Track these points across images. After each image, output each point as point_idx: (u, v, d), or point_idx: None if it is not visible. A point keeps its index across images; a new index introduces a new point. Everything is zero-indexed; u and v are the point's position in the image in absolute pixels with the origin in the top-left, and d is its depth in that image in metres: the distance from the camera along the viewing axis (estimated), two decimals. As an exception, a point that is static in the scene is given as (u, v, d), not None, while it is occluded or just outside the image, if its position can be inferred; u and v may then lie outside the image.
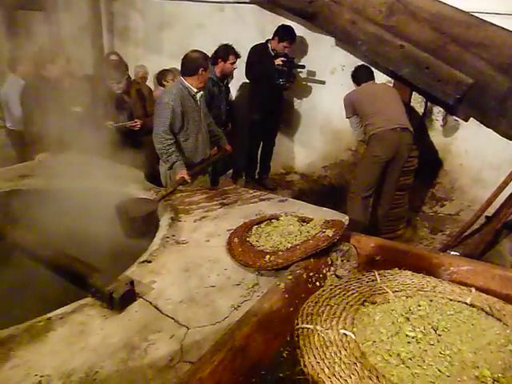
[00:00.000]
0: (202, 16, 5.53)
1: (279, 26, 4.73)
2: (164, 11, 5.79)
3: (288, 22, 4.82)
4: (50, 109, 3.51)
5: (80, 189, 2.67)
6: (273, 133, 5.30)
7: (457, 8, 3.84)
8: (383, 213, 4.18)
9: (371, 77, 4.20)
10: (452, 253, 3.70)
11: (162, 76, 4.91)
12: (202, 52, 3.38)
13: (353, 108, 4.08)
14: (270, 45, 4.79)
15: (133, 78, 4.93)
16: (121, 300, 1.56)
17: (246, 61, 4.73)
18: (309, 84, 5.24)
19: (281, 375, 1.40)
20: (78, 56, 5.01)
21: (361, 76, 4.18)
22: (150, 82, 5.31)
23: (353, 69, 4.27)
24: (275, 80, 4.73)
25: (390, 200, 4.16)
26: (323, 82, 5.12)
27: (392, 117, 3.86)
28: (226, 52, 4.37)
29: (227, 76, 4.64)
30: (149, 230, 2.25)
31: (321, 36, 4.84)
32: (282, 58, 4.66)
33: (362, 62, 4.56)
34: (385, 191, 4.11)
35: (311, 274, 1.81)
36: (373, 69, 4.28)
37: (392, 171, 3.99)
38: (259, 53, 4.77)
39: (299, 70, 5.03)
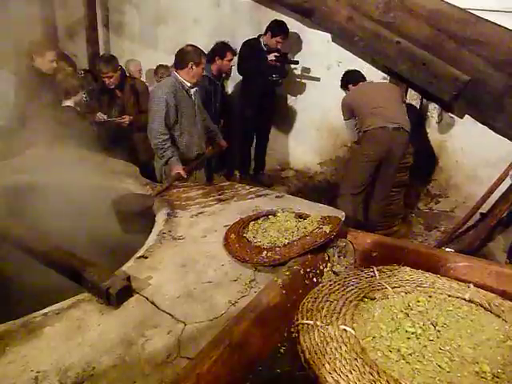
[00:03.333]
0: (198, 11, 5.49)
1: (272, 21, 4.67)
2: (160, 6, 5.75)
3: (284, 18, 4.79)
4: (43, 103, 3.48)
5: (74, 184, 2.64)
6: (266, 129, 5.28)
7: (454, 5, 3.84)
8: (378, 209, 4.16)
9: (362, 77, 4.20)
10: (447, 249, 3.71)
11: (156, 71, 4.88)
12: (197, 47, 3.33)
13: (350, 110, 4.03)
14: (262, 40, 4.72)
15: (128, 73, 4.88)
16: (117, 295, 1.54)
17: (237, 56, 4.67)
18: (303, 80, 5.21)
19: (278, 371, 1.39)
20: (72, 50, 4.97)
21: (352, 78, 4.17)
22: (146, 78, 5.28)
23: (343, 73, 4.26)
24: (268, 76, 4.68)
25: (386, 197, 4.14)
26: (318, 79, 5.09)
27: (386, 115, 3.77)
28: (222, 49, 4.33)
29: (224, 73, 4.61)
30: (145, 226, 2.23)
31: (317, 32, 4.81)
32: (275, 54, 4.59)
33: (358, 58, 4.57)
34: (380, 188, 4.07)
35: (308, 270, 1.80)
36: (369, 65, 4.27)
37: (386, 170, 3.93)
38: (251, 48, 4.70)
39: (293, 66, 5.00)
